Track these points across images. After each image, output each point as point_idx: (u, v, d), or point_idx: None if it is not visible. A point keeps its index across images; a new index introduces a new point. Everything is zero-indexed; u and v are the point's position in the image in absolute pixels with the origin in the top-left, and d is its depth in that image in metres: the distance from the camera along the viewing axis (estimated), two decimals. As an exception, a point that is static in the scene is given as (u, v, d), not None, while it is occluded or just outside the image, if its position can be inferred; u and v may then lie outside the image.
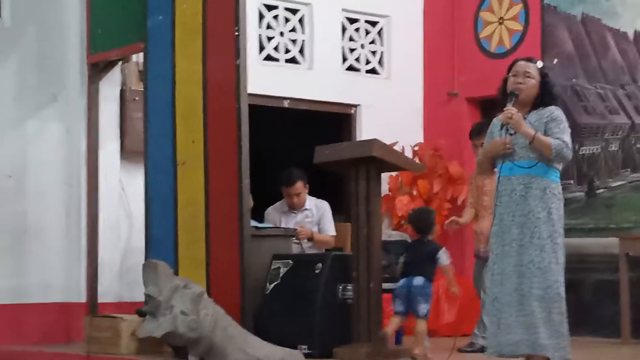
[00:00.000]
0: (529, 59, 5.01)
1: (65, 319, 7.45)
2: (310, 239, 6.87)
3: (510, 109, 4.80)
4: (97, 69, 7.50)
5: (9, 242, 7.44)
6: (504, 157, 4.88)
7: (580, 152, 7.79)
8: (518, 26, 8.36)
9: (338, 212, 7.59)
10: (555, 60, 7.97)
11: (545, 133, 4.79)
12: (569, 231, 7.53)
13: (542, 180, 4.78)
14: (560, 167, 4.88)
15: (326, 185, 7.62)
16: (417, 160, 8.31)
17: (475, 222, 6.62)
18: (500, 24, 8.48)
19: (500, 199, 4.88)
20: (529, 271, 4.72)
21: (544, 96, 4.90)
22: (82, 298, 7.39)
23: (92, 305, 7.26)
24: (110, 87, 7.61)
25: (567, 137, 4.81)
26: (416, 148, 8.59)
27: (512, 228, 4.79)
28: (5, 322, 7.27)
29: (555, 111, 4.86)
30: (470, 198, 6.73)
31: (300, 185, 6.98)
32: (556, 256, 4.73)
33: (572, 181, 7.84)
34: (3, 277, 7.37)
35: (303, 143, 6.82)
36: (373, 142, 5.81)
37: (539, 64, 4.98)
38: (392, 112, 8.63)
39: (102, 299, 7.32)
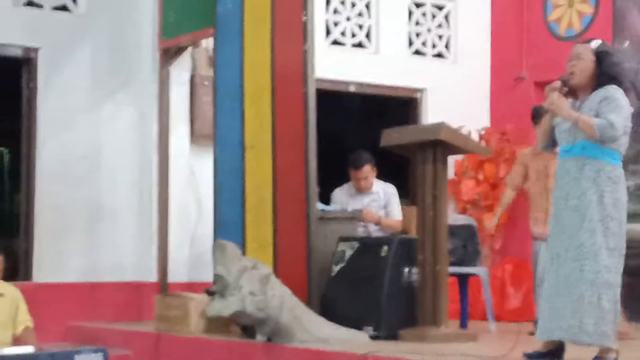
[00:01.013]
0: (585, 41, 4.94)
1: (137, 297, 7.65)
2: (376, 222, 6.91)
3: (552, 95, 4.75)
4: (168, 55, 7.66)
5: (84, 222, 7.66)
6: (560, 140, 4.85)
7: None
8: (588, 9, 8.27)
9: (403, 197, 7.62)
10: (627, 43, 7.86)
11: (598, 113, 4.68)
12: (637, 216, 7.50)
13: (596, 162, 4.66)
14: (621, 148, 4.72)
15: (392, 169, 7.65)
16: (483, 144, 8.29)
17: (532, 204, 6.61)
18: (570, 6, 8.40)
19: (556, 182, 4.86)
20: (580, 255, 4.63)
21: (600, 76, 4.79)
22: (153, 278, 7.59)
23: (163, 284, 7.44)
24: (180, 72, 7.76)
25: (615, 116, 4.61)
26: (483, 132, 8.58)
27: (566, 211, 4.72)
28: (80, 300, 7.51)
29: (610, 90, 4.71)
30: (514, 179, 6.74)
31: (368, 169, 7.01)
32: (607, 241, 4.61)
33: (642, 166, 7.75)
34: (79, 256, 7.60)
35: (369, 127, 6.87)
36: (440, 125, 5.83)
37: (594, 43, 4.87)
38: (458, 96, 8.62)
39: (172, 278, 7.51)
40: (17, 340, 5.90)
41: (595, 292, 4.59)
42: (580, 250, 4.64)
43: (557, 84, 4.79)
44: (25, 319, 6.03)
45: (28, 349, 5.58)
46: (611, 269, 4.62)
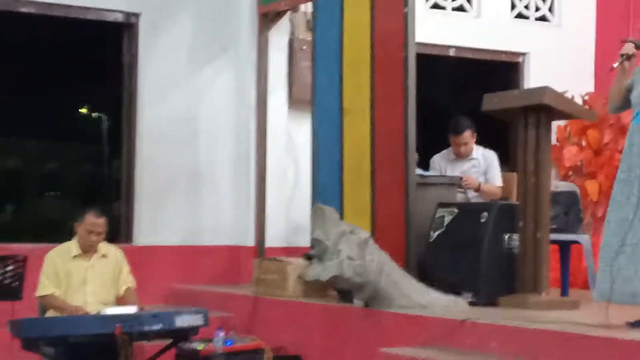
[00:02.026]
0: None
1: (235, 261, 7.74)
2: (476, 189, 6.81)
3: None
4: (266, 19, 7.66)
5: (183, 186, 7.78)
6: (635, 104, 4.69)
7: None
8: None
9: (504, 163, 7.49)
10: None
11: None
12: None
13: None
14: None
15: (492, 135, 7.52)
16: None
17: None
18: (680, -33, 8.10)
19: (630, 147, 4.71)
20: None
21: None
22: (251, 242, 7.65)
23: (260, 248, 7.50)
24: (279, 37, 7.77)
25: None
26: (586, 97, 8.36)
27: (637, 180, 4.61)
28: (179, 263, 7.63)
29: None
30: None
31: (468, 134, 6.91)
32: None
33: None
34: (178, 219, 7.73)
35: (469, 92, 6.76)
36: (544, 89, 5.68)
37: None
38: (562, 60, 8.43)
39: (269, 243, 7.56)
40: (120, 301, 6.02)
41: None
42: None
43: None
44: (127, 280, 6.15)
45: (131, 309, 5.70)
46: None
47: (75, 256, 5.99)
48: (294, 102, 7.74)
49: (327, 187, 6.71)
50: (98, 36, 8.46)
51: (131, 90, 7.81)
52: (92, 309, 5.76)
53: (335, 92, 6.67)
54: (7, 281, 5.06)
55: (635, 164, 4.68)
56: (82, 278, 5.97)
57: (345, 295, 5.95)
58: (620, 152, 8.01)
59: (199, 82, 7.85)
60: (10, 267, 5.06)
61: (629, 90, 4.75)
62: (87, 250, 6.01)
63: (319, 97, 6.89)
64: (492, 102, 5.91)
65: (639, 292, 4.62)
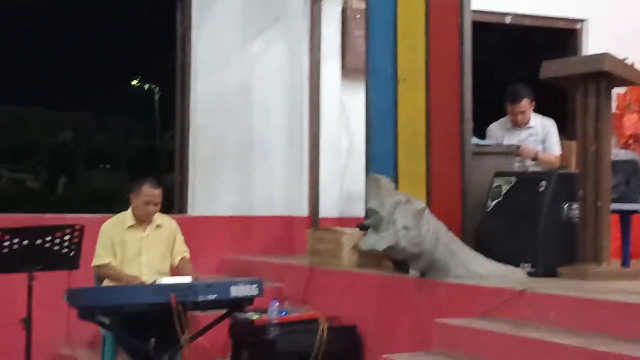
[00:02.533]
0: None
1: (288, 231, 7.73)
2: (534, 158, 6.70)
3: None
4: (319, -12, 7.60)
5: (237, 157, 7.78)
6: None
7: None
8: None
9: (562, 131, 7.36)
10: None
11: None
12: None
13: None
14: None
15: (549, 103, 7.39)
16: (647, 77, 7.89)
17: None
18: None
19: None
20: None
21: None
22: (304, 212, 7.64)
23: (314, 219, 7.47)
24: (331, 6, 7.70)
25: None
26: (647, 64, 8.16)
27: None
28: (233, 233, 7.64)
29: None
30: None
31: (525, 103, 6.80)
32: None
33: None
34: (232, 190, 7.73)
35: (526, 60, 6.64)
36: (604, 56, 5.54)
37: None
38: (621, 27, 8.22)
39: (323, 213, 7.54)
40: (174, 271, 6.04)
41: None
42: None
43: None
44: (182, 250, 6.16)
45: (186, 279, 5.71)
46: None
47: (130, 226, 6.02)
48: (347, 71, 7.68)
49: (381, 156, 6.64)
50: (151, 8, 8.47)
51: (184, 62, 7.81)
52: (147, 279, 5.79)
53: (389, 60, 6.58)
54: (64, 250, 5.09)
55: None
56: (137, 248, 6.00)
57: (401, 265, 5.89)
58: (683, 119, 7.90)
59: (251, 53, 7.82)
60: (67, 237, 5.08)
61: None
62: (143, 220, 6.03)
63: (372, 66, 6.80)
64: (551, 69, 5.79)
65: None
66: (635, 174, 6.52)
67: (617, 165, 6.25)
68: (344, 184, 7.66)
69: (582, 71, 5.64)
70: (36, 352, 5.08)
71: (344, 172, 7.66)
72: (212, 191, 7.73)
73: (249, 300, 5.78)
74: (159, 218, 6.13)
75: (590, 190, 5.55)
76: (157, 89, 17.09)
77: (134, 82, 17.77)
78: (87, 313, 5.44)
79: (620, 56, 5.90)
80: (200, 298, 5.58)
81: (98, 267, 5.96)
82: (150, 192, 5.98)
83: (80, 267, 5.20)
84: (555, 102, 7.87)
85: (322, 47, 7.64)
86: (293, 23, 7.81)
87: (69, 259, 5.12)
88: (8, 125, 16.20)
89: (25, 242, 4.98)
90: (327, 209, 7.59)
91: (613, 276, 5.48)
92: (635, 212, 6.52)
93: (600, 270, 5.47)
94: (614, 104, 7.89)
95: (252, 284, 5.78)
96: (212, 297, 5.63)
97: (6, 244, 4.94)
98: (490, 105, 7.19)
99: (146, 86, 17.59)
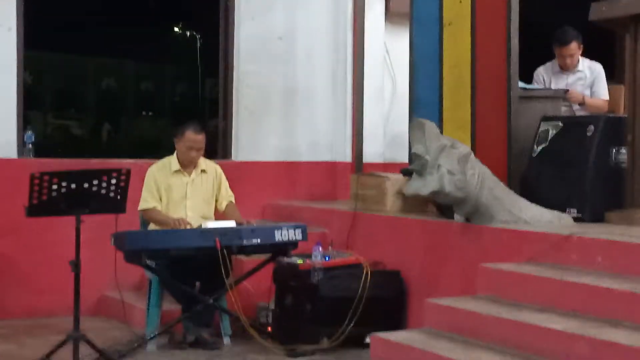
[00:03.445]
0: None
1: (332, 177, 7.73)
2: (581, 102, 6.60)
3: None
4: None
5: (281, 102, 7.76)
6: None
7: None
8: None
9: (610, 76, 7.23)
10: None
11: None
12: None
13: None
14: None
15: (598, 46, 7.26)
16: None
17: None
18: None
19: None
20: None
21: None
22: (348, 158, 7.62)
23: (358, 164, 7.44)
24: (377, -50, 7.59)
25: None
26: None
27: None
28: (277, 179, 7.66)
29: None
30: None
31: (574, 46, 6.67)
32: None
33: None
34: (275, 135, 7.74)
35: (574, 2, 6.50)
36: (656, -4, 5.41)
37: None
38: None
39: (367, 158, 7.50)
40: (222, 216, 6.08)
41: None
42: None
43: None
44: (228, 195, 6.20)
45: (231, 223, 5.75)
46: None
47: (175, 171, 6.05)
48: (391, 15, 7.60)
49: (425, 101, 6.58)
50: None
51: (228, 7, 7.77)
52: (192, 223, 5.83)
53: (434, 3, 6.47)
54: (111, 194, 5.13)
55: None
56: (183, 193, 6.04)
57: (446, 210, 5.87)
58: None
59: (295, -1, 7.77)
60: (114, 180, 5.12)
61: None
62: (187, 165, 6.06)
63: (417, 10, 6.71)
64: (600, 11, 5.67)
65: None
66: (686, 119, 6.40)
67: (667, 109, 6.14)
68: (388, 129, 7.62)
69: (631, 13, 5.52)
70: (84, 295, 5.16)
71: (388, 117, 7.62)
72: (256, 137, 7.73)
73: (293, 244, 5.82)
74: (204, 163, 6.16)
75: (638, 134, 5.47)
76: (199, 35, 17.05)
77: (176, 29, 17.72)
78: (133, 256, 5.52)
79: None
80: (245, 242, 5.64)
81: (144, 211, 6.01)
82: (193, 137, 6.00)
83: (126, 212, 5.25)
84: (604, 46, 7.73)
85: (367, -9, 7.56)
86: (337, -33, 7.74)
87: (115, 203, 5.16)
88: (52, 72, 16.30)
89: (73, 185, 5.03)
90: (371, 154, 7.56)
91: (662, 221, 5.42)
92: (685, 157, 6.40)
93: (648, 215, 5.41)
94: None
95: (296, 229, 5.81)
96: (257, 241, 5.69)
97: (54, 187, 4.99)
98: (538, 49, 7.07)
99: (188, 33, 17.54)
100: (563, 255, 4.90)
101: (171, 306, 6.00)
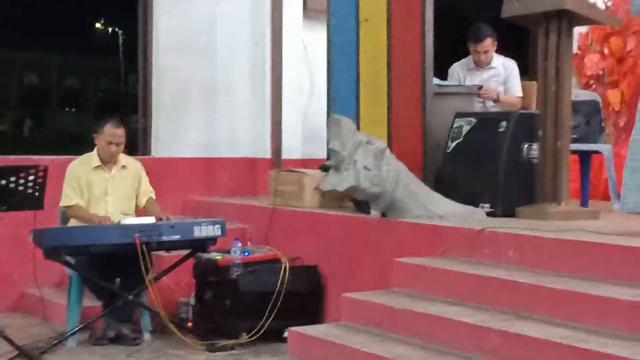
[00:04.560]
0: None
1: (251, 173, 7.74)
2: (495, 99, 6.72)
3: None
4: None
5: (201, 98, 7.74)
6: None
7: None
8: None
9: (524, 73, 7.38)
10: None
11: None
12: None
13: None
14: None
15: (512, 43, 7.39)
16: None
17: None
18: None
19: None
20: None
21: None
22: (267, 154, 7.63)
23: (277, 160, 7.47)
24: (294, -56, 7.60)
25: None
26: (609, 3, 8.17)
27: None
28: (197, 175, 7.64)
29: None
30: None
31: (489, 43, 6.77)
32: None
33: None
34: (195, 131, 7.71)
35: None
36: (566, -7, 5.54)
37: None
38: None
39: (286, 154, 7.53)
40: (142, 212, 6.05)
41: None
42: None
43: None
44: (148, 190, 6.17)
45: (150, 220, 5.73)
46: None
47: (96, 167, 6.00)
48: (309, 11, 7.61)
49: (343, 97, 6.64)
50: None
51: (146, 1, 7.71)
52: (113, 219, 5.80)
53: (350, 0, 6.55)
54: (29, 190, 5.08)
55: None
56: (104, 189, 5.99)
57: (362, 205, 5.94)
58: (644, 60, 7.95)
59: (214, -10, 7.74)
60: (31, 177, 5.07)
61: None
62: (108, 161, 6.02)
63: (334, 6, 6.77)
64: (512, 8, 5.78)
65: None
66: (596, 115, 6.59)
67: (577, 105, 6.30)
68: (307, 125, 7.65)
69: (543, 10, 5.63)
70: (3, 292, 5.10)
71: (307, 113, 7.64)
72: (176, 133, 7.69)
73: (212, 240, 5.83)
74: (124, 159, 6.12)
75: (549, 130, 5.59)
76: (121, 30, 16.87)
77: (99, 25, 17.52)
78: (52, 253, 5.46)
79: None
80: (164, 238, 5.62)
81: (67, 207, 5.95)
82: (112, 131, 5.96)
83: (45, 208, 5.19)
84: (518, 42, 7.88)
85: (283, -15, 7.56)
86: (255, -39, 7.73)
87: (33, 199, 5.11)
88: (-29, 67, 15.99)
89: (-10, 182, 4.96)
90: (291, 149, 7.58)
91: (571, 216, 5.56)
92: (595, 152, 6.59)
93: (558, 210, 5.54)
94: (575, 44, 7.89)
95: (214, 225, 5.81)
96: (176, 237, 5.68)
97: (-30, 184, 4.92)
98: (454, 46, 7.18)
99: (110, 28, 17.35)
100: (476, 250, 5.00)
101: (91, 303, 5.96)
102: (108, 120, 5.99)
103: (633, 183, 4.78)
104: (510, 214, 5.64)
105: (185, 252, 5.94)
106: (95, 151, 6.03)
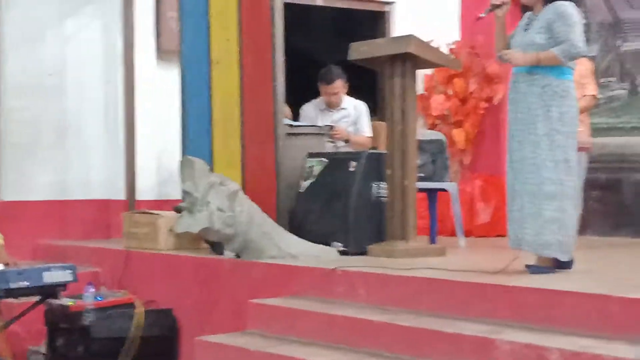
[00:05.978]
0: None
1: (105, 215, 7.61)
2: (346, 139, 6.86)
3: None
4: (132, -32, 7.47)
5: (52, 139, 7.58)
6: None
7: (623, 49, 7.66)
8: None
9: (374, 113, 7.57)
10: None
11: (553, 33, 4.73)
12: (609, 130, 7.51)
13: (543, 78, 4.74)
14: (569, 63, 4.79)
15: (362, 85, 7.57)
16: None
17: None
18: None
19: (509, 97, 4.91)
20: (523, 167, 4.77)
21: None
22: (121, 195, 7.53)
23: (131, 202, 7.39)
24: (145, -15, 7.58)
25: (574, 35, 4.70)
26: (452, 46, 8.49)
27: (514, 124, 4.84)
28: (48, 218, 7.46)
29: (560, 7, 4.75)
30: None
31: (339, 84, 6.93)
32: (553, 154, 4.70)
33: (614, 79, 7.72)
34: (46, 173, 7.53)
35: (338, 41, 6.77)
36: (409, 38, 5.74)
37: None
38: (427, 10, 8.49)
39: (140, 196, 7.46)
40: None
41: (536, 203, 4.72)
42: (525, 163, 4.77)
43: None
44: (-6, 236, 5.98)
45: (-4, 267, 5.56)
46: (555, 180, 4.71)
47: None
48: (161, 52, 7.59)
49: (197, 138, 6.66)
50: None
51: (-8, 40, 7.53)
52: (-44, 267, 5.59)
53: (202, 42, 6.60)
54: None
55: (511, 109, 4.89)
56: (-53, 235, 5.78)
57: (216, 247, 5.95)
58: (485, 100, 8.28)
59: (65, 32, 7.61)
60: None
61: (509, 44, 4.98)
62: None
63: (186, 48, 6.81)
64: (359, 51, 5.95)
65: (513, 235, 4.86)
66: (442, 154, 6.81)
67: (424, 145, 6.51)
68: (161, 165, 7.59)
69: (388, 53, 5.81)
70: None
71: (161, 153, 7.57)
72: (26, 175, 7.49)
73: (62, 286, 5.69)
74: (-32, 204, 5.93)
75: (397, 169, 5.75)
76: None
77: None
78: None
79: (426, 38, 6.13)
80: (12, 285, 5.45)
81: None
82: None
83: None
84: (368, 84, 8.08)
85: (136, 26, 7.48)
86: (107, 2, 7.63)
87: None
88: None
89: None
90: (145, 191, 7.50)
91: (420, 253, 5.70)
92: (442, 190, 6.80)
93: (407, 247, 5.69)
94: (420, 86, 8.15)
95: (65, 270, 5.68)
96: (24, 283, 5.51)
97: None
98: (308, 87, 7.31)
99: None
100: (329, 289, 5.07)
101: None
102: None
103: None
104: (362, 252, 5.75)
105: (35, 298, 5.79)
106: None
